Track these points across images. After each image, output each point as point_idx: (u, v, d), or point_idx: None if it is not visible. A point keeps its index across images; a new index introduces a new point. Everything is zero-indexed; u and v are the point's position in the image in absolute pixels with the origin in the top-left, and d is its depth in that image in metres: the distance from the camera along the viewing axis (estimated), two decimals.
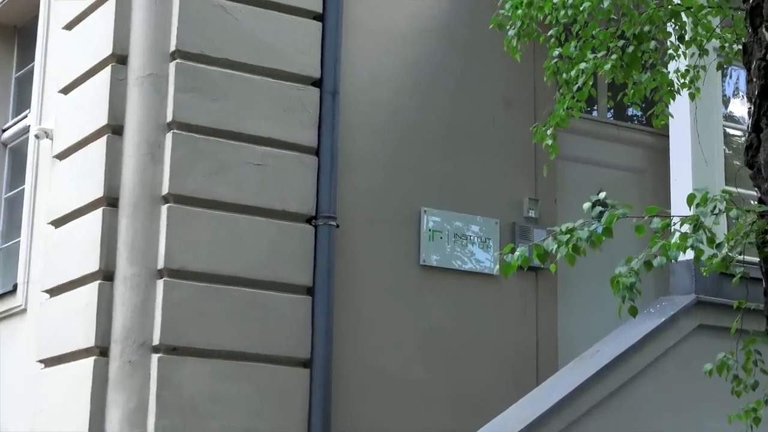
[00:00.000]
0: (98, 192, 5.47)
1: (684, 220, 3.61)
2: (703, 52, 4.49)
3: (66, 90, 6.00)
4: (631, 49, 4.17)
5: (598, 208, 3.62)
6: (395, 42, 6.20)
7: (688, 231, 3.59)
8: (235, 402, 5.30)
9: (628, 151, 7.12)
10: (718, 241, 3.66)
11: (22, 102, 7.34)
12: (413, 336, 5.95)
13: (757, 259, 3.70)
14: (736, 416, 4.13)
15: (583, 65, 4.13)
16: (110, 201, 5.44)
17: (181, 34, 5.49)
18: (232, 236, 5.43)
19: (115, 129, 5.51)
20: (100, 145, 5.53)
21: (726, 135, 6.46)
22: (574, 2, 4.22)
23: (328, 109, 5.78)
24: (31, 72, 7.03)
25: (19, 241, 6.77)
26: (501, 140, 6.41)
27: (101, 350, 5.29)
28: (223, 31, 5.59)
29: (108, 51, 5.60)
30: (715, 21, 4.50)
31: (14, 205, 7.23)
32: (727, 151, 6.55)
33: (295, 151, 5.68)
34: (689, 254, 3.68)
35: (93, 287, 5.37)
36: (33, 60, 6.96)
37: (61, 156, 5.93)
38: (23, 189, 6.86)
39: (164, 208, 5.36)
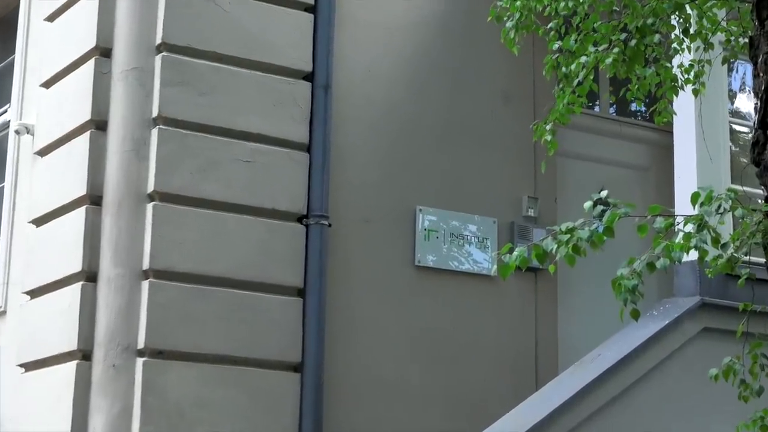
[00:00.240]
0: (81, 190, 5.46)
1: (688, 219, 3.61)
2: (708, 45, 4.49)
3: (48, 84, 5.99)
4: (633, 42, 4.17)
5: (600, 207, 3.62)
6: (390, 34, 6.20)
7: (692, 231, 3.59)
8: (223, 408, 5.30)
9: (630, 148, 7.13)
10: (723, 242, 3.67)
11: (2, 96, 7.32)
12: (408, 339, 5.95)
13: (763, 260, 3.71)
14: (744, 425, 4.14)
15: (583, 59, 4.13)
16: (93, 199, 5.43)
17: (167, 26, 5.48)
18: (220, 236, 5.43)
19: (98, 124, 5.50)
20: (83, 141, 5.53)
21: (732, 131, 6.47)
22: None
23: (320, 104, 5.78)
24: (11, 65, 7.01)
25: None
26: (499, 136, 6.41)
27: (84, 354, 5.28)
28: (211, 23, 5.58)
29: (91, 43, 5.59)
30: (721, 13, 4.51)
31: None
32: (733, 149, 6.56)
33: (285, 148, 5.67)
34: (693, 255, 3.68)
35: (75, 288, 5.37)
36: (13, 53, 6.94)
37: (43, 152, 5.92)
38: (2, 187, 6.84)
39: (149, 206, 5.35)
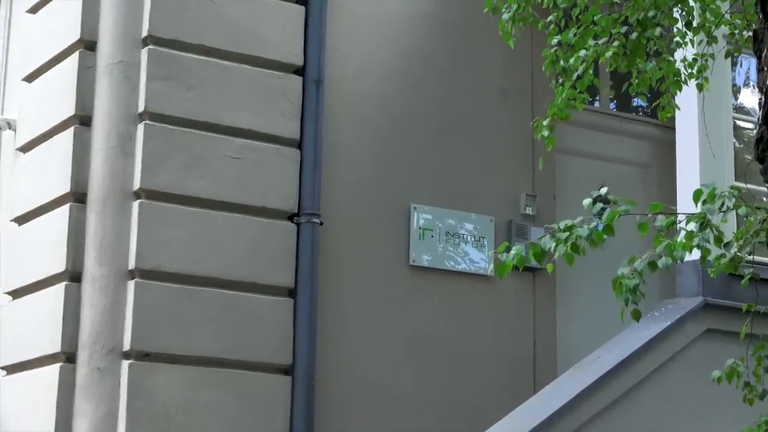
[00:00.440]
0: (65, 187, 5.45)
1: (690, 217, 3.62)
2: (712, 39, 4.50)
3: (30, 78, 5.98)
4: (634, 35, 4.18)
5: (599, 205, 3.63)
6: (384, 27, 6.20)
7: (694, 229, 3.60)
8: (212, 412, 5.29)
9: (631, 144, 7.14)
10: (726, 240, 3.68)
11: None
12: (402, 341, 5.95)
13: (767, 259, 3.71)
14: (748, 429, 4.15)
15: (582, 53, 4.13)
16: (77, 197, 5.42)
17: (153, 19, 5.48)
18: (208, 234, 5.43)
19: (82, 120, 5.49)
20: (67, 136, 5.52)
21: (736, 127, 6.48)
22: None
23: (312, 99, 5.78)
24: None
25: None
26: (496, 132, 6.42)
27: (68, 356, 5.28)
28: (198, 15, 5.57)
29: (75, 36, 5.58)
30: (724, 6, 4.52)
31: None
32: (737, 145, 6.57)
33: (276, 144, 5.67)
34: (696, 254, 3.69)
35: (59, 289, 5.36)
36: None
37: (25, 148, 5.91)
38: None
39: (135, 204, 5.34)
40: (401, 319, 5.96)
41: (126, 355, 5.22)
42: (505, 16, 4.44)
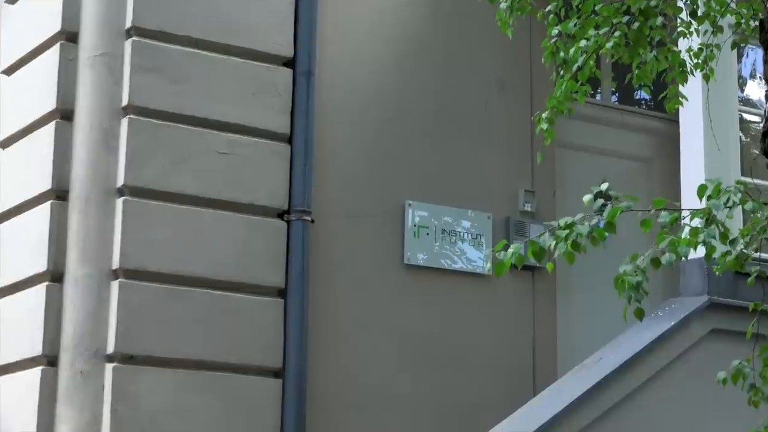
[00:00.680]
0: (46, 184, 5.45)
1: (695, 213, 3.63)
2: (717, 29, 4.51)
3: (9, 71, 5.98)
4: (636, 25, 4.18)
5: (600, 201, 3.64)
6: (377, 17, 6.20)
7: (699, 226, 3.61)
8: (199, 416, 5.30)
9: (634, 138, 7.15)
10: (732, 237, 3.69)
11: None
12: (397, 343, 5.95)
13: None
14: (755, 431, 4.17)
15: (583, 43, 4.14)
16: (59, 194, 5.42)
17: (137, 9, 5.47)
18: (195, 233, 5.43)
19: (64, 114, 5.49)
20: (48, 132, 5.51)
21: (742, 120, 6.50)
22: None
23: (302, 92, 5.78)
24: None
25: None
26: (494, 126, 6.42)
27: (49, 359, 5.28)
28: (184, 6, 5.57)
29: (56, 28, 5.57)
30: None
31: None
32: (743, 138, 6.59)
33: (265, 139, 5.67)
34: (700, 251, 3.70)
35: (40, 289, 5.36)
36: None
37: (4, 144, 5.91)
38: None
39: (119, 201, 5.34)
40: (396, 320, 5.97)
41: (110, 359, 5.21)
42: (503, 5, 4.45)
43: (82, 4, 5.55)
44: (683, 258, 3.61)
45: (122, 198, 5.35)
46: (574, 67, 4.18)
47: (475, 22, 6.32)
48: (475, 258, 6.21)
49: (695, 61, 4.58)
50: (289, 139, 5.74)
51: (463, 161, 6.30)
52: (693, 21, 4.46)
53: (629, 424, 5.23)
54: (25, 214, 5.60)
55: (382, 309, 5.95)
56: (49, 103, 5.54)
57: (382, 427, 5.81)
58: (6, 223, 5.78)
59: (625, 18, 4.21)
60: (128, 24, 5.48)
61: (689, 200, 5.08)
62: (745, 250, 3.78)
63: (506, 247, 3.66)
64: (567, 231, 3.58)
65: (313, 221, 5.72)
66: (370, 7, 6.19)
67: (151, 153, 5.40)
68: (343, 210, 5.93)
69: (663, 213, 3.58)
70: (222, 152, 5.55)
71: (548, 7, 4.44)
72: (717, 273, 3.98)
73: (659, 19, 4.22)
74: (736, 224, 4.66)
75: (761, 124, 3.82)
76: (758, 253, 3.95)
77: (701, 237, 3.57)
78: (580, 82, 4.27)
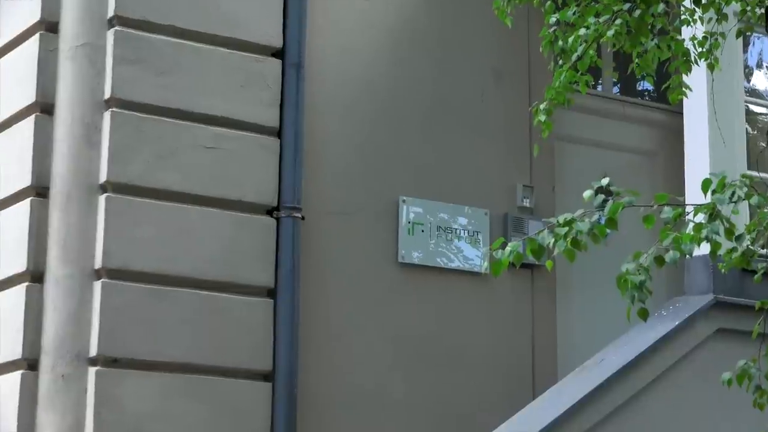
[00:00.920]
0: (25, 180, 5.44)
1: (699, 208, 3.62)
2: (722, 16, 4.50)
3: None
4: (638, 12, 4.17)
5: (602, 196, 3.63)
6: (369, 6, 6.19)
7: (703, 221, 3.60)
8: (186, 421, 5.29)
9: (636, 131, 7.15)
10: (737, 233, 3.68)
11: None
12: (391, 344, 5.95)
13: None
14: None
15: (583, 32, 4.13)
16: (39, 191, 5.41)
17: None
18: (181, 231, 5.42)
19: (44, 108, 5.48)
20: (27, 126, 5.50)
21: (748, 112, 6.50)
22: None
23: (292, 84, 5.77)
24: None
25: None
26: (491, 119, 6.42)
27: (30, 363, 5.27)
28: None
29: (36, 17, 5.56)
30: None
31: None
32: (749, 131, 6.58)
33: (253, 133, 5.67)
34: (705, 248, 3.69)
35: (20, 290, 5.35)
36: None
37: None
38: None
39: (102, 198, 5.33)
40: (390, 320, 5.96)
41: (93, 362, 5.21)
42: None
43: None
44: (687, 255, 3.60)
45: (105, 195, 5.34)
46: (574, 57, 4.17)
47: (471, 10, 6.32)
48: (472, 256, 6.20)
49: (699, 50, 4.57)
50: (279, 133, 5.73)
51: (459, 155, 6.29)
52: (697, 8, 4.46)
53: (632, 427, 5.24)
54: (4, 211, 5.59)
55: (375, 310, 5.95)
56: (29, 96, 5.52)
57: (376, 429, 5.81)
58: None
59: (626, 5, 4.21)
60: (110, 13, 5.47)
61: (693, 195, 5.08)
62: (751, 247, 3.78)
63: (504, 245, 3.65)
64: (567, 228, 3.58)
65: (303, 218, 5.71)
66: None
67: (134, 148, 5.39)
68: (335, 206, 5.92)
69: (666, 208, 3.57)
70: (209, 147, 5.54)
71: None
72: (722, 270, 3.98)
73: (661, 6, 4.21)
74: (741, 220, 4.65)
75: None
76: (765, 250, 3.95)
77: (705, 233, 3.57)
78: (579, 72, 4.26)
